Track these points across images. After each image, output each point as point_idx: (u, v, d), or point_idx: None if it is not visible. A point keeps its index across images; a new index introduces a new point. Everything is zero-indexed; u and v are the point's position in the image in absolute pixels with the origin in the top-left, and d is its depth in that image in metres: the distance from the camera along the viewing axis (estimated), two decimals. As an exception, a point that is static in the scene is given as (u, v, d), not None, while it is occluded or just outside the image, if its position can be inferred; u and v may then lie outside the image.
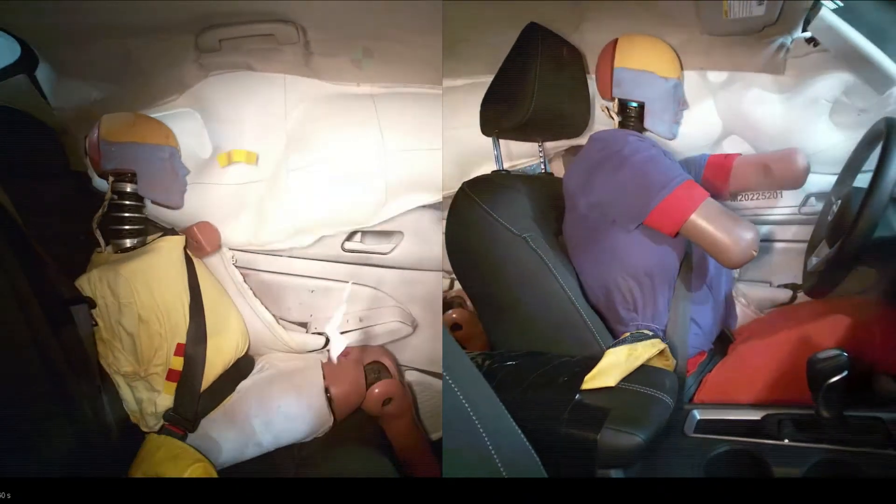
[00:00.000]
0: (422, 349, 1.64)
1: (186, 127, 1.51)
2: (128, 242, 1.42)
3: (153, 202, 1.47)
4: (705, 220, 1.14)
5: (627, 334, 1.21)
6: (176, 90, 1.50)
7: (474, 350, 1.64)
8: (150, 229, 1.50)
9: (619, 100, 1.38)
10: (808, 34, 1.32)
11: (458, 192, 1.35)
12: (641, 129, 1.38)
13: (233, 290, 1.56)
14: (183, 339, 1.36)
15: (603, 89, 1.40)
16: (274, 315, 1.58)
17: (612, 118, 1.41)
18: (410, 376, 1.66)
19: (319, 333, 1.61)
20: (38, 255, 1.26)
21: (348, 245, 1.60)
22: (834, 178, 1.32)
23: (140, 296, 1.30)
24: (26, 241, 1.24)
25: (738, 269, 1.58)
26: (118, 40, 1.32)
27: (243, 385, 1.43)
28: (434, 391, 1.64)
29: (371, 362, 1.47)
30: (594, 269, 1.29)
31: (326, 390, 1.41)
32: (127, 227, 1.42)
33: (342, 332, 1.58)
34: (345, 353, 1.57)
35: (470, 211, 1.31)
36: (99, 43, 1.32)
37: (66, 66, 1.39)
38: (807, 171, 1.31)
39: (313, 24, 1.33)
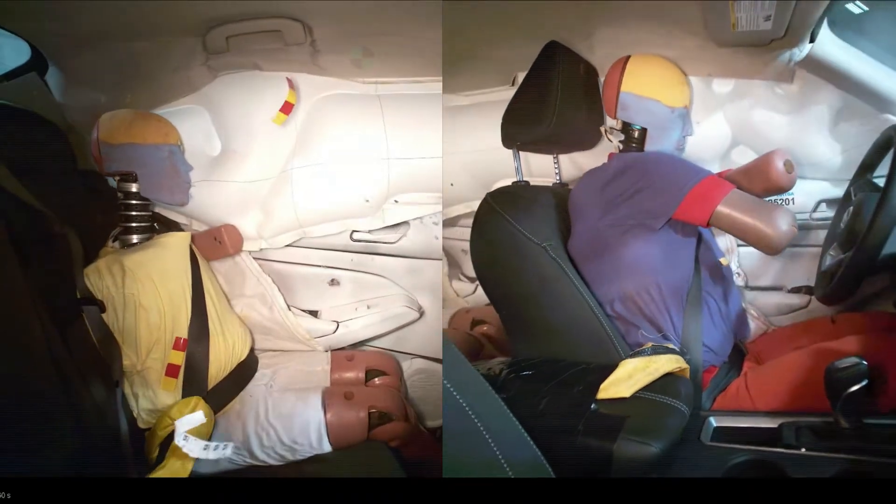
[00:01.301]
0: (426, 336, 1.68)
1: (195, 124, 1.54)
2: (135, 238, 1.46)
3: (157, 202, 1.50)
4: (737, 208, 1.16)
5: (649, 345, 1.20)
6: (185, 91, 1.54)
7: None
8: (157, 226, 1.52)
9: (623, 121, 1.39)
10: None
11: (481, 202, 1.39)
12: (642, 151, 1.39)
13: (249, 275, 1.60)
14: (182, 334, 1.37)
15: (608, 108, 1.42)
16: (287, 303, 1.62)
17: (611, 141, 1.41)
18: (416, 364, 1.69)
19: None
20: (58, 252, 1.28)
21: (357, 235, 1.64)
22: (839, 185, 1.32)
23: (143, 286, 1.33)
24: (50, 237, 1.26)
25: (745, 279, 1.57)
26: (126, 43, 1.35)
27: (244, 397, 1.43)
28: (439, 377, 1.62)
29: (376, 410, 1.43)
30: (603, 283, 1.29)
31: (326, 421, 1.37)
32: (134, 224, 1.46)
33: (351, 319, 1.62)
34: (349, 358, 1.58)
35: (492, 220, 1.35)
36: (106, 46, 1.35)
37: (75, 69, 1.42)
38: (783, 170, 1.25)
39: (319, 22, 1.35)
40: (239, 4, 1.30)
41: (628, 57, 1.38)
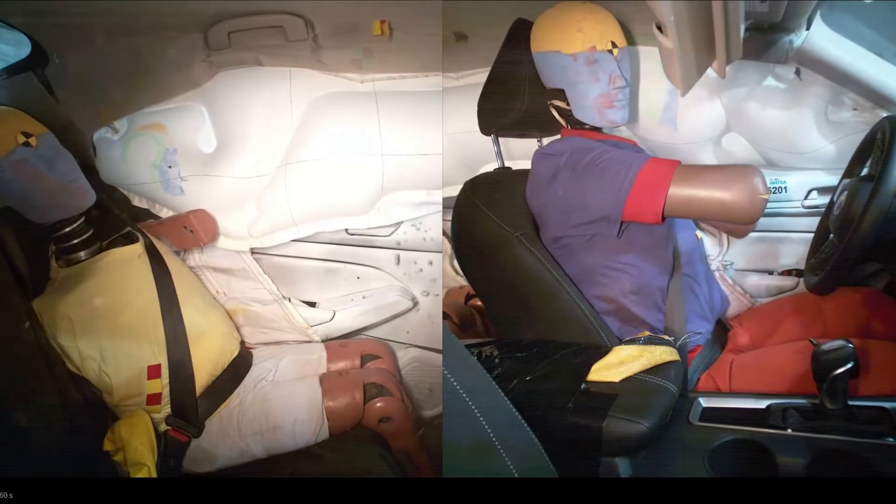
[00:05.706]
0: (422, 325, 1.70)
1: (189, 122, 1.53)
2: (83, 255, 1.34)
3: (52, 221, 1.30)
4: (689, 186, 1.03)
5: (644, 334, 1.18)
6: (186, 88, 1.52)
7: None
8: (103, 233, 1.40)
9: (550, 88, 1.27)
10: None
11: (460, 190, 1.38)
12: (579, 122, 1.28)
13: (245, 270, 1.60)
14: (154, 360, 1.29)
15: None
16: (284, 296, 1.63)
17: (556, 117, 1.33)
18: (411, 353, 1.71)
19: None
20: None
21: (352, 230, 1.65)
22: (830, 174, 1.32)
23: (82, 332, 1.23)
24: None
25: (728, 259, 1.57)
26: (127, 39, 1.34)
27: (238, 395, 1.39)
28: (433, 366, 1.69)
29: (371, 382, 1.43)
30: (580, 287, 1.25)
31: (323, 396, 1.36)
32: (76, 241, 1.34)
33: (347, 308, 1.64)
34: (344, 345, 1.58)
35: (470, 209, 1.33)
36: (108, 42, 1.33)
37: (76, 65, 1.39)
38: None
39: (321, 18, 1.35)
40: (240, 4, 1.30)
41: None
